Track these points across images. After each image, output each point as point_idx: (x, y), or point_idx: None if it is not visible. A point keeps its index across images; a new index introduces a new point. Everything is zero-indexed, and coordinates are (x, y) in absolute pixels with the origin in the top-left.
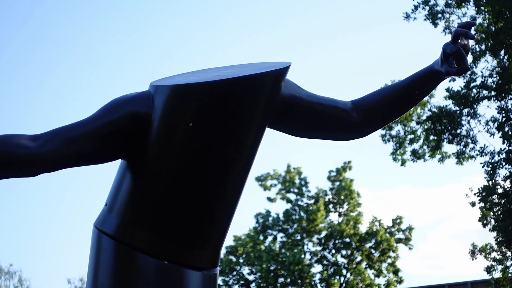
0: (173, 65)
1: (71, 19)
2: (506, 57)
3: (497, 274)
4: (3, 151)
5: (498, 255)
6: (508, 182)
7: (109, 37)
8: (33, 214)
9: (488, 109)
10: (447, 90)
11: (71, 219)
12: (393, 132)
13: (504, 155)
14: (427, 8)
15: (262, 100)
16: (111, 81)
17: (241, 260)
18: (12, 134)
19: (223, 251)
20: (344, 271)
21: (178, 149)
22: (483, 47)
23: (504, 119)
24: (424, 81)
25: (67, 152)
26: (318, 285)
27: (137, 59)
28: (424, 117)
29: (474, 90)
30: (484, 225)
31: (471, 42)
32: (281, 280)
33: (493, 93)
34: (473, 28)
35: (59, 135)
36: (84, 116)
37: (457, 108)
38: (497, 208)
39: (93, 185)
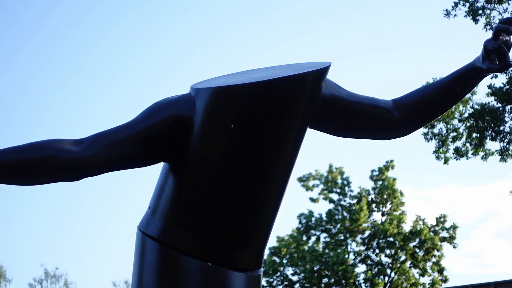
0: (204, 69)
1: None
2: None
3: None
4: (47, 156)
5: None
6: None
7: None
8: (79, 217)
9: None
10: (489, 87)
11: (115, 222)
12: (435, 130)
13: None
14: (468, 4)
15: (303, 101)
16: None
17: (284, 261)
18: (55, 139)
19: (266, 252)
20: (388, 271)
21: (220, 151)
22: None
23: None
24: (466, 79)
25: (110, 156)
26: (363, 285)
27: (171, 62)
28: (466, 115)
29: None
30: None
31: None
32: (325, 280)
33: None
34: None
35: (102, 139)
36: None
37: (499, 104)
38: None
39: (137, 188)
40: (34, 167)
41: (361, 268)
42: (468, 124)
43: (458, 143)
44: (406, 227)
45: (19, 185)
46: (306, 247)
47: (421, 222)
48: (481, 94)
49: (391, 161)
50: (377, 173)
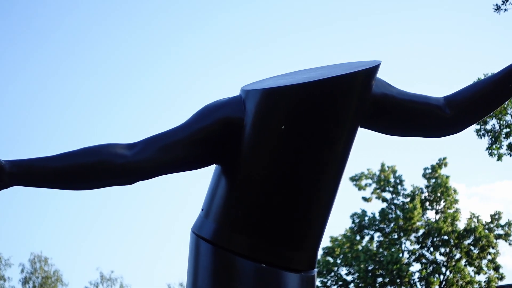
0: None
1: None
2: None
3: None
4: (101, 161)
5: None
6: None
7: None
8: (133, 221)
9: None
10: None
11: (170, 225)
12: (488, 127)
13: None
14: None
15: (353, 100)
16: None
17: (338, 261)
18: (108, 144)
19: (320, 252)
20: (443, 269)
21: (271, 152)
22: None
23: None
24: None
25: (162, 159)
26: (418, 284)
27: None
28: None
29: None
30: None
31: None
32: (379, 280)
33: None
34: None
35: (154, 143)
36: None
37: None
38: None
39: (190, 191)
40: (88, 172)
41: (415, 267)
42: None
43: None
44: (461, 224)
45: (73, 190)
46: (359, 247)
47: (475, 220)
48: None
49: (444, 158)
50: (430, 171)
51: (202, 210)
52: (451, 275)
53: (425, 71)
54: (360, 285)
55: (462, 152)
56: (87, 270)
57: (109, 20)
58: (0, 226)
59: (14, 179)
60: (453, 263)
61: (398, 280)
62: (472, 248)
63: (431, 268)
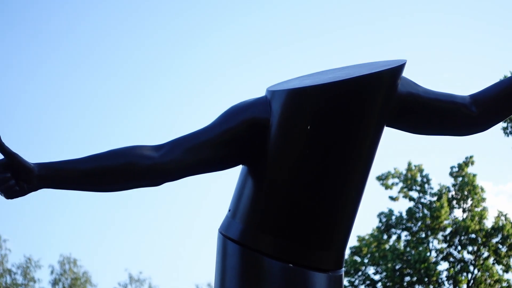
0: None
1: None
2: None
3: None
4: (128, 163)
5: None
6: None
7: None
8: (161, 221)
9: None
10: None
11: (197, 225)
12: None
13: None
14: None
15: (379, 99)
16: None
17: (365, 260)
18: (135, 146)
19: (347, 251)
20: (471, 268)
21: (297, 152)
22: None
23: None
24: None
25: (189, 160)
26: (445, 282)
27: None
28: None
29: None
30: None
31: None
32: (407, 279)
33: None
34: None
35: (181, 144)
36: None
37: None
38: None
39: (217, 191)
40: (115, 173)
41: (443, 265)
42: None
43: None
44: (488, 223)
45: (101, 192)
46: (387, 246)
47: (503, 218)
48: None
49: (471, 157)
50: (456, 169)
51: (229, 210)
52: (479, 273)
53: (452, 70)
54: (388, 284)
55: (489, 150)
56: (116, 271)
57: (129, 20)
58: (30, 228)
59: (42, 182)
60: (481, 262)
61: (426, 279)
62: (500, 246)
63: (458, 266)
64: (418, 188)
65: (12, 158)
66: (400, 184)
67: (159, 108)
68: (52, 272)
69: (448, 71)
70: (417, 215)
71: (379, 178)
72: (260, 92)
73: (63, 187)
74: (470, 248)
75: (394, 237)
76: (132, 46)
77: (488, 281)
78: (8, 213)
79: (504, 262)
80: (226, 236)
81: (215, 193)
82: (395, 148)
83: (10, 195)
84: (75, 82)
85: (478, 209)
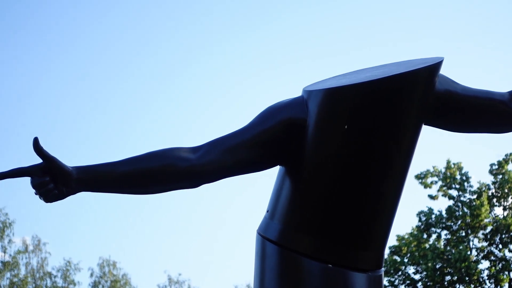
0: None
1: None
2: None
3: None
4: (166, 165)
5: None
6: None
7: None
8: (199, 223)
9: None
10: None
11: (236, 226)
12: None
13: None
14: None
15: (417, 97)
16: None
17: (405, 260)
18: (172, 148)
19: (386, 251)
20: None
21: (335, 152)
22: None
23: None
24: None
25: (226, 162)
26: (487, 281)
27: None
28: None
29: None
30: None
31: None
32: (447, 278)
33: None
34: None
35: (218, 145)
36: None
37: None
38: None
39: (255, 192)
40: (153, 176)
41: (484, 264)
42: None
43: None
44: None
45: (138, 194)
46: (427, 245)
47: None
48: None
49: (511, 154)
50: (496, 167)
51: (267, 211)
52: None
53: (485, 70)
54: (428, 283)
55: None
56: (155, 273)
57: (156, 19)
58: (69, 231)
59: (81, 185)
60: None
61: (467, 278)
62: None
63: (500, 265)
64: (457, 186)
65: (51, 162)
66: (439, 183)
67: (185, 111)
68: (91, 275)
69: (481, 70)
70: (457, 213)
71: (418, 177)
72: (293, 94)
73: (101, 190)
74: (511, 247)
75: (434, 236)
76: (156, 50)
77: None
78: (47, 217)
79: None
80: (264, 237)
81: (254, 194)
82: (434, 146)
83: (49, 198)
84: (107, 89)
85: None
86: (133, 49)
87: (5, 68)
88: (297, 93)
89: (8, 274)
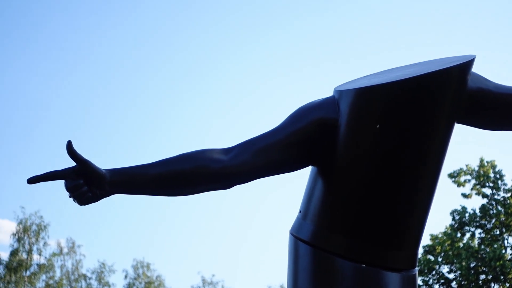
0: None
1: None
2: None
3: None
4: (199, 166)
5: None
6: None
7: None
8: (232, 224)
9: None
10: None
11: (269, 227)
12: None
13: None
14: None
15: (449, 96)
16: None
17: (439, 259)
18: (204, 149)
19: (420, 250)
20: None
21: (367, 151)
22: None
23: None
24: None
25: (259, 162)
26: None
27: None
28: None
29: None
30: None
31: None
32: (482, 277)
33: None
34: None
35: (250, 146)
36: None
37: None
38: None
39: (287, 192)
40: (186, 177)
41: None
42: None
43: None
44: None
45: (171, 196)
46: (461, 244)
47: None
48: None
49: None
50: None
51: (300, 212)
52: None
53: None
54: (463, 283)
55: None
56: (189, 274)
57: (185, 18)
58: (103, 233)
59: (114, 187)
60: None
61: (502, 277)
62: None
63: None
64: (491, 184)
65: (85, 165)
66: (473, 181)
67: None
68: (126, 277)
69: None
70: (491, 212)
71: (451, 176)
72: (330, 92)
73: (134, 192)
74: None
75: (467, 235)
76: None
77: None
78: (81, 219)
79: None
80: (297, 237)
81: (287, 194)
82: (467, 145)
83: (83, 201)
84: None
85: None
86: (159, 48)
87: (29, 72)
88: (327, 93)
89: (43, 277)
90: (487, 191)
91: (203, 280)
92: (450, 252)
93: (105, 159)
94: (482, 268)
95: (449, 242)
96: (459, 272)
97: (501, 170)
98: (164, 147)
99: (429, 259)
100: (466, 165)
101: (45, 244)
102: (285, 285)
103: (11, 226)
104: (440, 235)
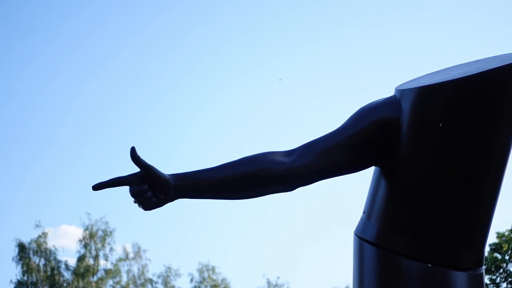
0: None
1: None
2: None
3: None
4: (261, 169)
5: None
6: None
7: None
8: (295, 225)
9: None
10: None
11: (334, 228)
12: None
13: None
14: None
15: None
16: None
17: (506, 257)
18: (266, 152)
19: (487, 248)
20: None
21: (430, 150)
22: None
23: None
24: None
25: (321, 164)
26: None
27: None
28: None
29: None
30: None
31: None
32: None
33: None
34: None
35: (311, 148)
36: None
37: None
38: None
39: (353, 193)
40: (249, 180)
41: None
42: None
43: None
44: None
45: (235, 199)
46: None
47: None
48: None
49: None
50: None
51: (364, 212)
52: None
53: None
54: None
55: None
56: (254, 276)
57: (211, 20)
58: (169, 237)
59: (178, 192)
60: None
61: None
62: None
63: None
64: None
65: (148, 170)
66: None
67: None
68: (191, 280)
69: None
70: None
71: None
72: (391, 92)
73: (198, 196)
74: None
75: None
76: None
77: None
78: (147, 224)
79: None
80: (362, 238)
81: (351, 195)
82: None
83: (147, 206)
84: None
85: None
86: (201, 48)
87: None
88: (388, 94)
89: (110, 282)
90: None
91: (268, 283)
92: None
93: (165, 165)
94: None
95: None
96: None
97: None
98: (223, 152)
99: (496, 257)
100: None
101: (111, 249)
102: (351, 286)
103: (78, 233)
104: (507, 233)
